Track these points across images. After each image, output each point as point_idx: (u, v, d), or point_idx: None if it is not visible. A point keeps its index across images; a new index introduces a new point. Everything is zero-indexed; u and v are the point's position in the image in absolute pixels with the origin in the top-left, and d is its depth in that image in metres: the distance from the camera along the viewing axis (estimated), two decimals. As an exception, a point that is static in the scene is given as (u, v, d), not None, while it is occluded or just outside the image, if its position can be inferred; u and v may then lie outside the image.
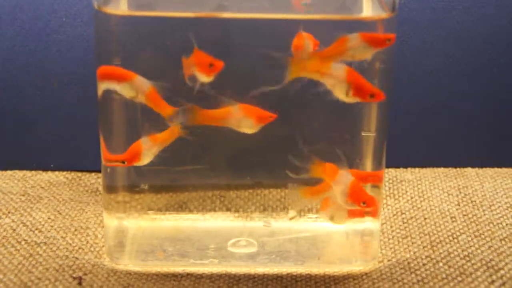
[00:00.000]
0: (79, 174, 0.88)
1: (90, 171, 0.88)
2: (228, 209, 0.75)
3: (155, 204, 0.73)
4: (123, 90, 0.66)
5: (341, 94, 0.64)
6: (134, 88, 0.66)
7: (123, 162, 0.67)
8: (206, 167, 0.71)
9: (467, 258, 0.70)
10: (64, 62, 0.86)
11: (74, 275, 0.66)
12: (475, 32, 0.87)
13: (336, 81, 0.63)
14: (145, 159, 0.67)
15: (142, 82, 0.66)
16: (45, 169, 0.88)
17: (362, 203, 0.65)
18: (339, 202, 0.66)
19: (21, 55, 0.86)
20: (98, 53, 0.66)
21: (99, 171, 0.75)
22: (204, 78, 0.65)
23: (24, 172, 0.88)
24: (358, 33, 0.63)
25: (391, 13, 0.65)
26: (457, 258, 0.70)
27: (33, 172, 0.88)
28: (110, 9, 0.65)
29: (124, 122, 0.69)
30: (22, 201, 0.80)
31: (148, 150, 0.67)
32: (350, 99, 0.64)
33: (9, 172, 0.88)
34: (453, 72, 0.88)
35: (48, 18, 0.85)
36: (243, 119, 0.66)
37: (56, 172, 0.88)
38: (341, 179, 0.65)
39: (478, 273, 0.67)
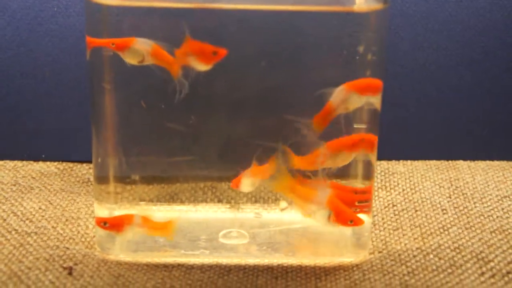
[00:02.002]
0: (71, 164, 0.88)
1: (81, 161, 0.88)
2: (219, 201, 0.74)
3: (147, 195, 0.73)
4: (128, 57, 0.65)
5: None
6: (138, 51, 0.65)
7: (105, 224, 0.67)
8: (197, 158, 0.71)
9: (458, 250, 0.70)
10: (56, 52, 0.85)
11: (65, 265, 0.65)
12: (468, 25, 0.87)
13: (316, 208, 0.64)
14: (128, 234, 0.68)
15: (144, 43, 0.65)
16: (37, 159, 0.88)
17: (349, 221, 0.66)
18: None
19: (12, 45, 0.85)
20: (90, 44, 0.66)
21: (91, 162, 0.75)
22: (203, 67, 0.64)
23: (15, 162, 0.88)
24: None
25: (384, 4, 0.65)
26: (448, 250, 0.70)
27: (24, 162, 0.88)
28: (102, -1, 0.64)
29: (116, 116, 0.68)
30: (13, 191, 0.80)
31: (132, 226, 0.67)
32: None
33: (0, 162, 0.87)
34: (446, 65, 0.87)
35: (40, 8, 0.84)
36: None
37: (48, 163, 0.88)
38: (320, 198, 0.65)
39: (468, 265, 0.67)
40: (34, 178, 0.84)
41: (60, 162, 0.88)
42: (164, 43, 0.65)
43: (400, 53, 0.87)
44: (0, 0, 0.84)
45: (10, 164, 0.87)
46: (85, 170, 0.86)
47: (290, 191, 0.66)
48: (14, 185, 0.82)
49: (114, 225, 0.67)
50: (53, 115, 0.87)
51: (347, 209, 0.65)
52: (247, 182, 0.68)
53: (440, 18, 0.86)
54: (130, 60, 0.65)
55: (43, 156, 0.88)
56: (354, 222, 0.66)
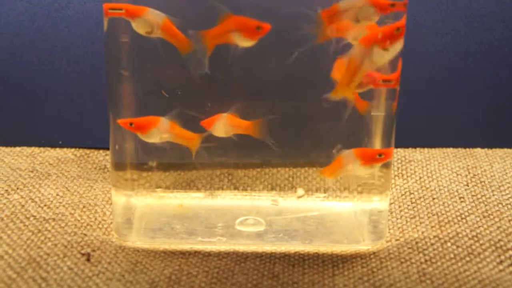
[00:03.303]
0: (87, 151, 0.88)
1: (98, 148, 0.88)
2: (236, 188, 0.75)
3: (163, 182, 0.73)
4: (138, 26, 0.64)
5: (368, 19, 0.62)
6: (148, 22, 0.64)
7: (131, 124, 0.66)
8: (214, 145, 0.70)
9: (476, 239, 0.69)
10: (73, 38, 0.85)
11: (83, 251, 0.66)
12: (487, 11, 0.86)
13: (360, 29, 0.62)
14: (151, 137, 0.66)
15: (156, 15, 0.64)
16: (54, 146, 0.89)
17: (378, 155, 0.66)
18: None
19: (29, 31, 0.85)
20: (108, 30, 0.65)
21: (107, 149, 0.76)
22: (247, 42, 0.63)
23: (33, 148, 0.88)
24: None
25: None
26: (465, 239, 0.69)
27: (42, 148, 0.88)
28: (120, -15, 0.63)
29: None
30: (31, 177, 0.80)
31: (159, 131, 0.66)
32: (375, 18, 0.62)
33: (17, 149, 0.88)
34: (464, 52, 0.87)
35: (57, -6, 0.84)
36: None
37: (65, 149, 0.88)
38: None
39: (487, 253, 0.67)
40: (51, 164, 0.84)
41: (77, 149, 0.88)
42: (177, 19, 0.64)
43: (418, 39, 0.86)
44: (17, -13, 0.84)
45: (27, 150, 0.88)
46: (102, 157, 0.86)
47: None
48: (32, 171, 0.82)
49: (139, 126, 0.65)
50: (70, 102, 0.87)
51: (371, 149, 0.65)
52: (219, 126, 0.67)
53: (459, 4, 0.85)
54: (139, 29, 0.64)
55: (60, 142, 0.89)
56: (384, 154, 0.65)
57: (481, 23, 0.86)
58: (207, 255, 0.66)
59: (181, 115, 0.66)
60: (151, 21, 0.64)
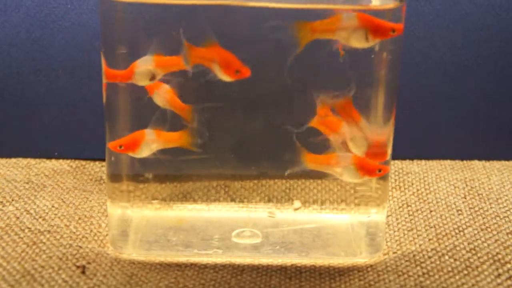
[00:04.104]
0: (83, 162, 0.88)
1: (94, 159, 0.88)
2: (232, 200, 0.74)
3: (159, 194, 0.73)
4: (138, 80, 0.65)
5: (360, 42, 0.62)
6: (145, 72, 0.65)
7: (121, 147, 0.66)
8: (210, 157, 0.70)
9: (473, 252, 0.69)
10: (69, 50, 0.85)
11: (78, 264, 0.65)
12: (484, 23, 0.86)
13: (350, 31, 0.61)
14: (142, 152, 0.66)
15: (144, 61, 0.64)
16: (49, 157, 0.88)
17: (377, 171, 0.65)
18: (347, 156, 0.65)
19: (26, 42, 0.85)
20: (103, 40, 0.66)
21: (103, 160, 0.75)
22: (225, 77, 0.63)
23: (28, 160, 0.87)
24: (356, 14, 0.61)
25: (400, 2, 0.64)
26: (463, 251, 0.69)
27: (37, 160, 0.87)
28: (116, -4, 0.63)
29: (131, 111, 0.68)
30: (26, 189, 0.80)
31: (147, 144, 0.66)
32: (372, 42, 0.62)
33: (13, 160, 0.87)
34: (461, 64, 0.87)
35: (53, 5, 0.84)
36: None
37: (60, 160, 0.88)
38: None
39: (484, 267, 0.67)
40: (47, 176, 0.83)
41: (73, 160, 0.88)
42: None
43: (415, 51, 0.86)
44: (14, -2, 0.84)
45: (23, 162, 0.87)
46: (98, 168, 0.86)
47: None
48: (27, 183, 0.81)
49: (129, 145, 0.65)
50: (66, 113, 0.87)
51: (372, 161, 0.65)
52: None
53: (456, 16, 0.85)
54: (142, 82, 0.65)
55: (56, 154, 0.88)
56: (383, 170, 0.65)
57: (478, 35, 0.86)
58: (203, 267, 0.65)
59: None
60: (147, 70, 0.65)
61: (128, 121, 0.68)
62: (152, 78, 0.65)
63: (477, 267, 0.66)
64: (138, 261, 0.66)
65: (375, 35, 0.62)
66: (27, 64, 0.85)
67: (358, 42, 0.62)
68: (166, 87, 0.65)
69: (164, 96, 0.65)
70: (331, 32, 0.62)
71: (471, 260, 0.68)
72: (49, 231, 0.71)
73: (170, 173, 0.73)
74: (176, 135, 0.67)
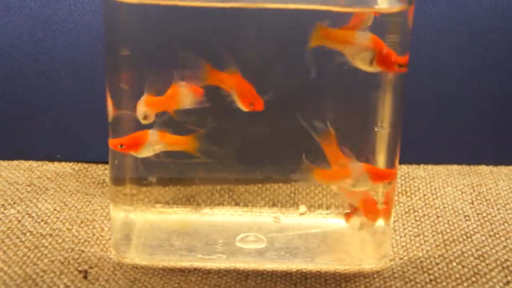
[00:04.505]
0: (86, 165, 0.87)
1: (97, 162, 0.87)
2: (236, 204, 0.74)
3: (163, 197, 0.73)
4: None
5: (364, 64, 0.62)
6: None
7: (121, 146, 0.65)
8: (215, 160, 0.70)
9: (482, 258, 0.68)
10: (72, 51, 0.85)
11: (80, 268, 0.65)
12: (491, 26, 0.85)
13: (358, 50, 0.61)
14: (144, 152, 0.65)
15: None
16: (52, 159, 0.88)
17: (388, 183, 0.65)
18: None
19: (29, 43, 0.84)
20: (106, 42, 0.65)
21: (106, 163, 0.74)
22: (240, 105, 0.64)
23: (30, 162, 0.87)
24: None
25: (408, 5, 0.63)
26: (471, 258, 0.68)
27: (39, 162, 0.87)
28: (120, -3, 0.63)
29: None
30: (28, 192, 0.79)
31: (150, 144, 0.65)
32: (374, 69, 0.62)
33: (15, 162, 0.87)
34: (468, 67, 0.86)
35: (57, 6, 0.84)
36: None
37: (63, 163, 0.87)
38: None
39: (493, 274, 0.66)
40: (49, 178, 0.83)
41: (76, 163, 0.87)
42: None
43: (421, 54, 0.85)
44: (16, -1, 0.83)
45: (25, 164, 0.87)
46: (101, 171, 0.85)
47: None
48: (29, 185, 0.81)
49: (130, 145, 0.65)
50: (69, 115, 0.87)
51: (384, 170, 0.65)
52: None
53: (462, 19, 0.85)
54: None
55: (58, 156, 0.88)
56: (392, 181, 0.65)
57: (485, 38, 0.85)
58: (207, 272, 0.65)
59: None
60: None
61: (131, 123, 0.67)
62: (145, 118, 0.65)
63: (485, 274, 0.66)
64: (141, 266, 0.66)
65: (380, 64, 0.61)
66: (29, 66, 0.85)
67: (361, 63, 0.61)
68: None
69: None
70: (341, 44, 0.62)
71: (479, 267, 0.67)
72: (51, 235, 0.70)
73: (174, 176, 0.73)
74: (182, 139, 0.66)
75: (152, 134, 0.65)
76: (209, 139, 0.67)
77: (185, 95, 0.64)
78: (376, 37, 0.61)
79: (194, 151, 0.66)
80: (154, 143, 0.65)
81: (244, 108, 0.64)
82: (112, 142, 0.65)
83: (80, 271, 0.64)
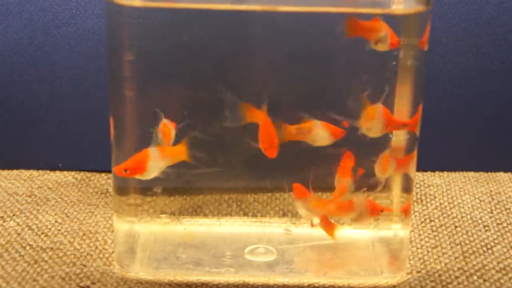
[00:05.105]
0: (89, 174, 0.86)
1: (100, 171, 0.86)
2: (245, 214, 0.73)
3: (168, 208, 0.71)
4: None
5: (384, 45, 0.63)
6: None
7: (126, 171, 0.64)
8: (222, 169, 0.69)
9: (504, 271, 0.66)
10: (74, 56, 0.83)
11: (82, 284, 0.63)
12: (510, 28, 0.83)
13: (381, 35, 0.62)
14: (151, 173, 0.64)
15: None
16: (53, 168, 0.87)
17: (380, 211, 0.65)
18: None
19: (29, 48, 0.83)
20: (109, 47, 0.64)
21: (110, 172, 0.73)
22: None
23: (31, 171, 0.86)
24: None
25: (426, 6, 0.62)
26: (493, 271, 0.66)
27: (40, 171, 0.86)
28: (123, 0, 0.62)
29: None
30: (28, 203, 0.78)
31: (155, 163, 0.64)
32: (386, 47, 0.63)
33: (15, 172, 0.86)
34: (486, 70, 0.84)
35: (58, 10, 0.82)
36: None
37: (65, 172, 0.86)
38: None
39: None
40: (50, 188, 0.82)
41: (78, 172, 0.86)
42: None
43: (438, 57, 0.84)
44: (17, 2, 0.82)
45: (25, 173, 0.85)
46: (104, 180, 0.84)
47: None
48: (30, 196, 0.80)
49: (135, 168, 0.64)
50: (71, 122, 0.86)
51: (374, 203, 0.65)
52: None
53: (481, 21, 0.83)
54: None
55: (60, 165, 0.87)
56: (385, 210, 0.65)
57: (504, 40, 0.84)
58: (215, 287, 0.63)
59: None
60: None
61: (135, 132, 0.66)
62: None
63: None
64: (145, 281, 0.64)
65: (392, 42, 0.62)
66: (29, 72, 0.84)
67: (382, 45, 0.62)
68: None
69: None
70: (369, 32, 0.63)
71: (502, 281, 0.65)
72: (51, 248, 0.69)
73: (180, 186, 0.71)
74: (178, 149, 0.65)
75: (153, 152, 0.64)
76: (214, 146, 0.66)
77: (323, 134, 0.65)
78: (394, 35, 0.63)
79: (186, 157, 0.66)
80: (158, 161, 0.64)
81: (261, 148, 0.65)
82: (117, 169, 0.64)
83: (82, 287, 0.63)
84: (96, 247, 0.69)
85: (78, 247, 0.69)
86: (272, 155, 0.64)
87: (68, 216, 0.75)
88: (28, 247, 0.68)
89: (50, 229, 0.72)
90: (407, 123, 0.64)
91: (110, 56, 0.64)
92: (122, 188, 0.67)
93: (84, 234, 0.72)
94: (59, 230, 0.72)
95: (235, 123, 0.65)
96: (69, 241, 0.70)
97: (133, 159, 0.64)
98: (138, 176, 0.64)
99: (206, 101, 0.66)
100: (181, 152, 0.65)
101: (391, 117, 0.63)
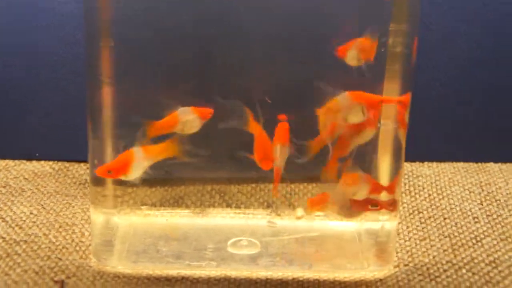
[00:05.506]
0: (67, 164, 0.85)
1: (79, 161, 0.85)
2: (228, 205, 0.72)
3: (149, 199, 0.71)
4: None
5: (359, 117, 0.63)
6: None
7: (109, 173, 0.63)
8: (205, 158, 0.67)
9: (493, 264, 0.65)
10: (53, 42, 0.82)
11: (56, 279, 0.62)
12: (504, 14, 0.83)
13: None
14: (134, 173, 0.63)
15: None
16: (30, 158, 0.86)
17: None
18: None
19: (7, 34, 0.82)
20: (88, 33, 0.62)
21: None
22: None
23: (6, 161, 0.85)
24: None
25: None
26: (482, 264, 0.66)
27: (16, 161, 0.85)
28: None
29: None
30: (3, 194, 0.77)
31: (139, 163, 0.63)
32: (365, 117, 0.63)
33: (-11, 161, 0.85)
34: (478, 59, 0.84)
35: (36, -6, 0.82)
36: None
37: (42, 162, 0.85)
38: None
39: (507, 282, 0.63)
40: (26, 179, 0.81)
41: (56, 162, 0.85)
42: None
43: (428, 45, 0.83)
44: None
45: (0, 163, 0.84)
46: (83, 171, 0.83)
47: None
48: (4, 187, 0.79)
49: (118, 169, 0.63)
50: (48, 110, 0.84)
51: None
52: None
53: (473, 7, 0.83)
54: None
55: (37, 154, 0.86)
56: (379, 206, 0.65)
57: (497, 27, 0.83)
58: (195, 281, 0.62)
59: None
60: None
61: (113, 120, 0.65)
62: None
63: (498, 282, 0.63)
64: (123, 275, 0.63)
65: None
66: (6, 59, 0.83)
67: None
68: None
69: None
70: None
71: (491, 274, 0.64)
72: (25, 241, 0.67)
73: (161, 176, 0.70)
74: (163, 146, 0.64)
75: (137, 151, 0.63)
76: (196, 138, 0.65)
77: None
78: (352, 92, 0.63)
79: (179, 154, 0.65)
80: (142, 161, 0.63)
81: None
82: (99, 171, 0.63)
83: (56, 282, 0.61)
84: (73, 240, 0.68)
85: (54, 239, 0.68)
86: (267, 167, 0.64)
87: (44, 208, 0.74)
88: (0, 240, 0.67)
89: (24, 221, 0.71)
90: (384, 100, 0.63)
91: (87, 42, 0.62)
92: (99, 179, 0.66)
93: (60, 226, 0.71)
94: (34, 222, 0.71)
95: (233, 125, 0.64)
96: (44, 234, 0.69)
97: (118, 160, 0.64)
98: (121, 177, 0.64)
99: (190, 90, 0.65)
100: (170, 149, 0.64)
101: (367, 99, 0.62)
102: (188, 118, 0.63)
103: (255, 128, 0.64)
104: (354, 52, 0.61)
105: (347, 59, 0.61)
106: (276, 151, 0.64)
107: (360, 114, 0.62)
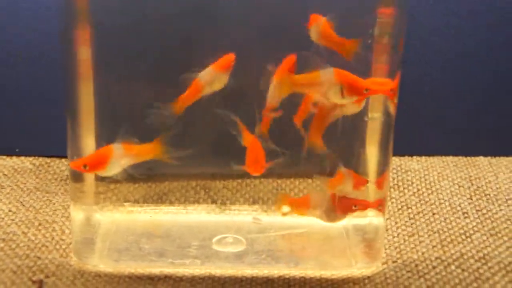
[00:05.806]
0: (48, 159, 0.84)
1: (60, 156, 0.84)
2: (213, 202, 0.72)
3: (132, 195, 0.70)
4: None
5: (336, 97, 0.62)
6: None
7: (85, 167, 0.62)
8: (189, 154, 0.66)
9: (483, 261, 0.65)
10: (31, 34, 0.81)
11: (34, 278, 0.61)
12: (494, 7, 0.83)
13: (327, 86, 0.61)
14: (111, 170, 0.62)
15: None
16: (9, 154, 0.85)
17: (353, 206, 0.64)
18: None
19: None
20: (64, 23, 0.61)
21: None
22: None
23: None
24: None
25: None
26: (472, 260, 0.65)
27: None
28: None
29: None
30: None
31: (117, 160, 0.62)
32: (346, 100, 0.62)
33: (-33, 157, 0.85)
34: (467, 52, 0.84)
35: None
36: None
37: (22, 158, 0.84)
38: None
39: (496, 278, 0.63)
40: (5, 175, 0.80)
41: (36, 157, 0.84)
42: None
43: (416, 38, 0.83)
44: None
45: None
46: (64, 166, 0.82)
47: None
48: None
49: (94, 164, 0.62)
50: (28, 104, 0.83)
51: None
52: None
53: (460, 1, 0.82)
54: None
55: (17, 150, 0.85)
56: (361, 206, 0.64)
57: (487, 20, 0.83)
58: (179, 280, 0.62)
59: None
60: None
61: (93, 114, 0.64)
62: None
63: (487, 279, 0.63)
64: (105, 274, 0.62)
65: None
66: None
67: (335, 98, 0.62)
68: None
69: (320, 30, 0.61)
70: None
71: (481, 270, 0.64)
72: (3, 240, 0.66)
73: (144, 172, 0.68)
74: (147, 147, 0.63)
75: (117, 148, 0.62)
76: (180, 136, 0.64)
77: None
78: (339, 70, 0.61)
79: (163, 156, 0.63)
80: (120, 158, 0.62)
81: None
82: (74, 164, 0.62)
83: (34, 282, 0.60)
84: (53, 238, 0.67)
85: (33, 238, 0.67)
86: (258, 172, 0.64)
87: (23, 205, 0.73)
88: (-23, 239, 0.67)
89: (3, 218, 0.70)
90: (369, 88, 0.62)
91: (65, 33, 0.61)
92: (78, 175, 0.65)
93: (40, 224, 0.70)
94: (12, 220, 0.70)
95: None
96: (23, 232, 0.68)
97: (95, 154, 0.62)
98: (98, 173, 0.62)
99: (172, 82, 0.63)
100: (154, 150, 0.63)
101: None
102: (212, 78, 0.61)
103: (248, 138, 0.64)
104: (315, 28, 0.60)
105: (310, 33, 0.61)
106: (273, 87, 0.62)
107: (338, 94, 0.61)
